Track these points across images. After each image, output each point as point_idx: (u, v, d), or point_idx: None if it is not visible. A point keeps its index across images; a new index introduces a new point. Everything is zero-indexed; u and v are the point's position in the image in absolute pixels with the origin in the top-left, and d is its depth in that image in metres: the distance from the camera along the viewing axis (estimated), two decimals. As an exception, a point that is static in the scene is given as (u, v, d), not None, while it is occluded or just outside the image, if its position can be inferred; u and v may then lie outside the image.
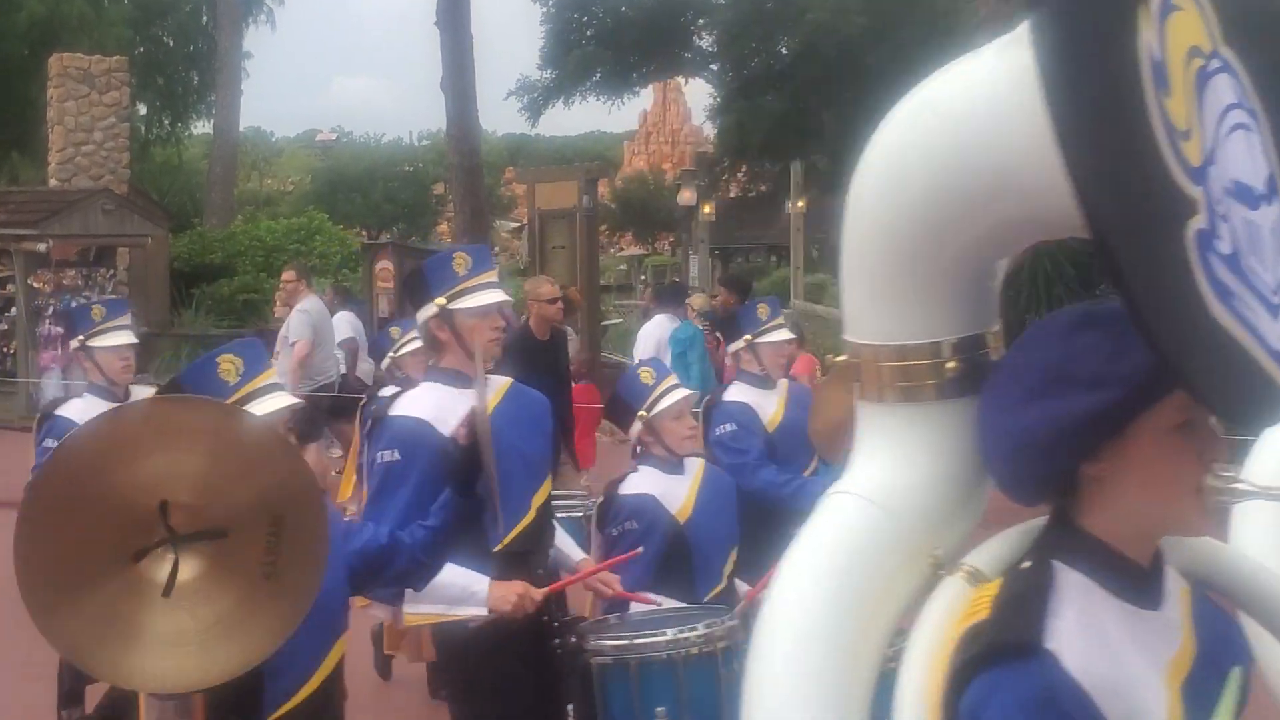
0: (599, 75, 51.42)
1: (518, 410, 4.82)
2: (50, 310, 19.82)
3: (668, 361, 11.43)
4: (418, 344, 7.19)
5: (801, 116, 48.21)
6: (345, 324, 15.32)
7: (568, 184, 20.47)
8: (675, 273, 37.64)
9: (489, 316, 4.68)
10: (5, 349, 20.83)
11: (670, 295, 14.31)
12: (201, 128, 39.62)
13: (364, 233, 48.95)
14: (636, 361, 13.06)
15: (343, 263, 26.23)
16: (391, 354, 7.95)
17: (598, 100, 52.61)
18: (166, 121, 38.44)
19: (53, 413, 6.50)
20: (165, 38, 37.01)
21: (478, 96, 22.51)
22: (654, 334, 13.13)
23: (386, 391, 7.33)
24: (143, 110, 34.25)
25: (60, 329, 19.58)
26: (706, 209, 30.98)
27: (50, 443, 6.04)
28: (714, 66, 52.16)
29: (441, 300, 4.56)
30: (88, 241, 21.65)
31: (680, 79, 61.58)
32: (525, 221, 24.94)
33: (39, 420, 6.69)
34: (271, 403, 3.67)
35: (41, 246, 20.22)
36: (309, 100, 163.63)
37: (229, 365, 3.78)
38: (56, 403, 6.90)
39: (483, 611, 4.36)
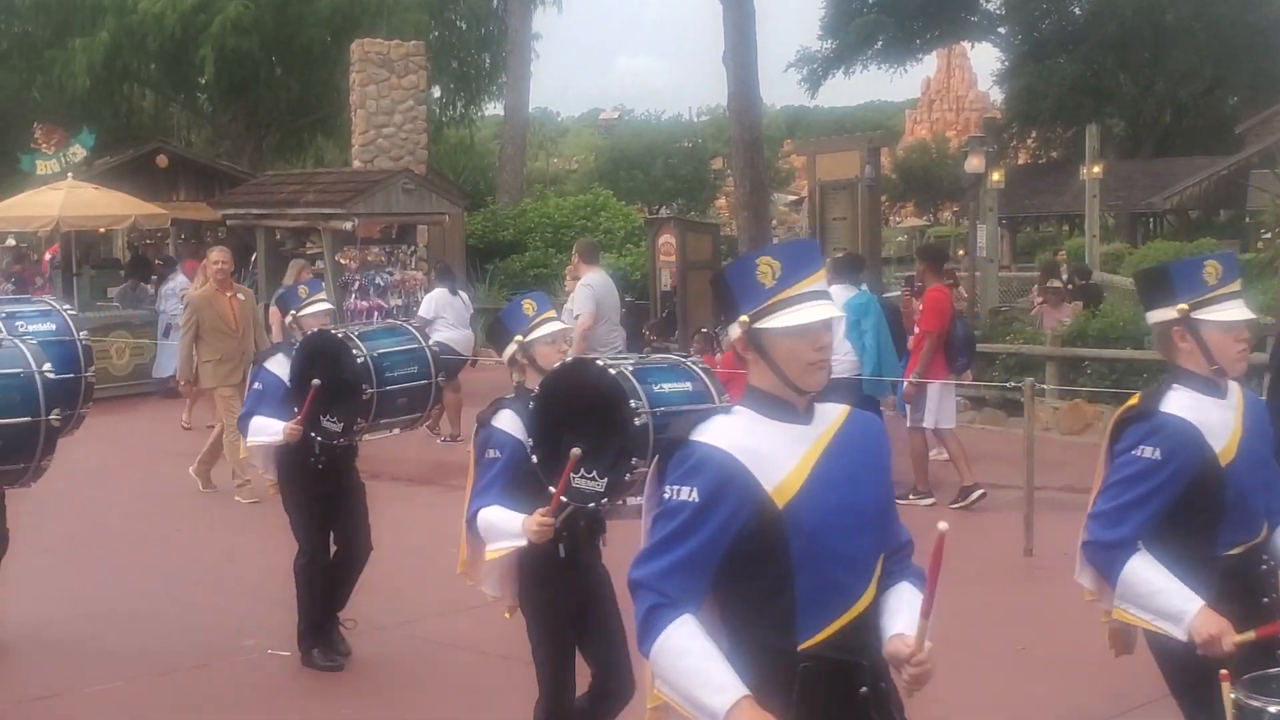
0: (880, 43, 50.99)
1: None
2: (356, 285, 20.81)
3: (843, 328, 11.23)
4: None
5: (1096, 78, 46.88)
6: (431, 302, 15.78)
7: (848, 154, 20.42)
8: (961, 243, 37.04)
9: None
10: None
11: (846, 266, 14.05)
12: (492, 109, 40.53)
13: (645, 208, 49.61)
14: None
15: (626, 238, 26.58)
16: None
17: (879, 69, 52.22)
18: (460, 104, 39.27)
19: None
20: (459, 22, 37.84)
21: (759, 68, 22.65)
22: (837, 296, 12.90)
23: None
24: (437, 93, 35.09)
25: (365, 303, 20.77)
26: (995, 176, 30.30)
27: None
28: (1002, 30, 51.18)
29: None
30: (390, 220, 22.38)
31: (966, 44, 60.54)
32: (804, 194, 25.04)
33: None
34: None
35: (348, 225, 20.88)
36: (593, 80, 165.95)
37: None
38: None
39: (1182, 636, 4.10)
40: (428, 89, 27.74)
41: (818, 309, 3.36)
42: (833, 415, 3.46)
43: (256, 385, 7.58)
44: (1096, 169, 35.72)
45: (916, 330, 12.75)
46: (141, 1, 31.43)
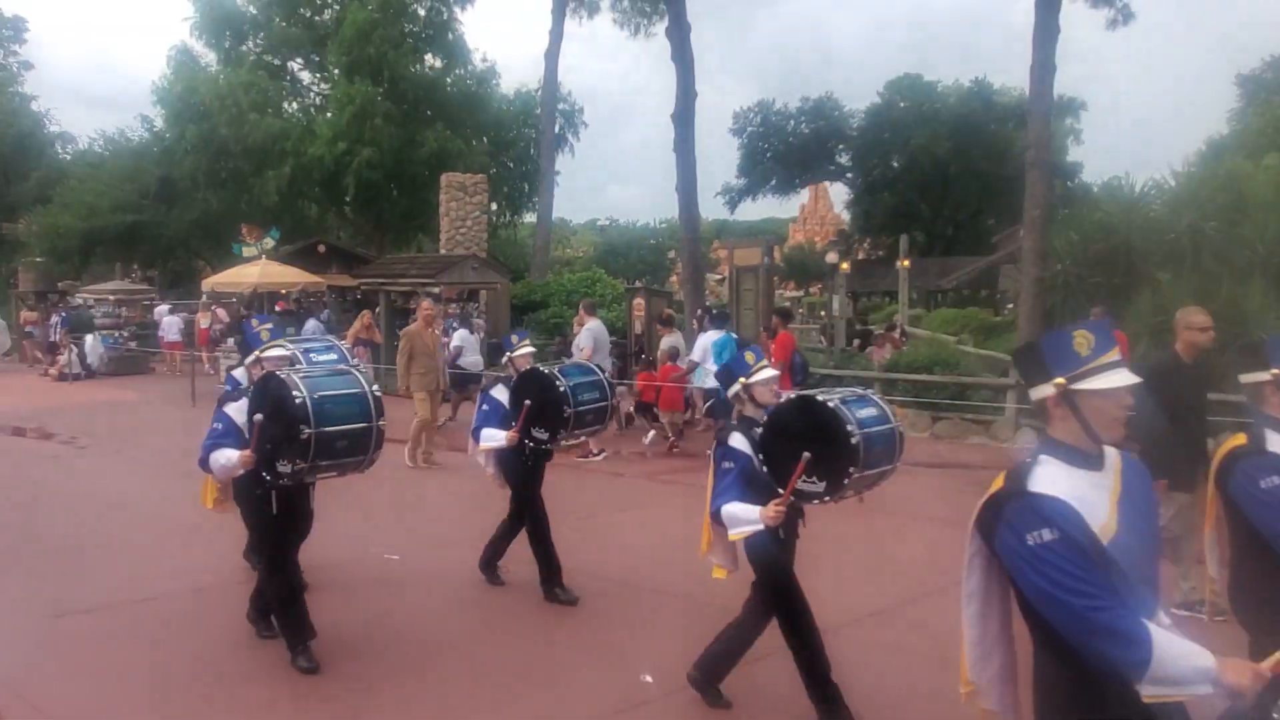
0: (774, 181, 51.42)
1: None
2: (441, 328, 20.67)
3: (711, 359, 12.22)
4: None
5: (907, 206, 47.40)
6: (458, 338, 15.64)
7: (753, 249, 20.49)
8: (824, 308, 37.15)
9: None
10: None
11: (718, 316, 14.16)
12: (529, 218, 40.65)
13: (625, 281, 49.67)
14: (690, 360, 13.28)
15: (614, 300, 26.56)
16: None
17: (774, 196, 52.73)
18: (509, 214, 39.60)
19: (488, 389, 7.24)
20: (509, 163, 37.95)
21: (698, 195, 22.72)
22: (703, 342, 13.01)
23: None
24: (494, 207, 35.18)
25: (445, 338, 20.59)
26: (844, 265, 30.52)
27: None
28: (849, 175, 51.61)
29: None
30: (462, 286, 22.59)
31: (827, 183, 61.07)
32: (726, 275, 25.11)
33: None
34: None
35: (437, 290, 20.94)
36: (594, 199, 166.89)
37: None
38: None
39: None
40: (488, 205, 27.70)
41: (1126, 376, 2.72)
42: (1114, 459, 2.77)
43: (485, 407, 6.88)
44: (906, 262, 35.96)
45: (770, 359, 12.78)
46: (310, 148, 31.45)
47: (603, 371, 7.20)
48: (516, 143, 38.04)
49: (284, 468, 5.14)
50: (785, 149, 50.07)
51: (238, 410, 5.53)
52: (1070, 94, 47.77)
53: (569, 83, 76.35)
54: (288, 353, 5.93)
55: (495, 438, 6.66)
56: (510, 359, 7.10)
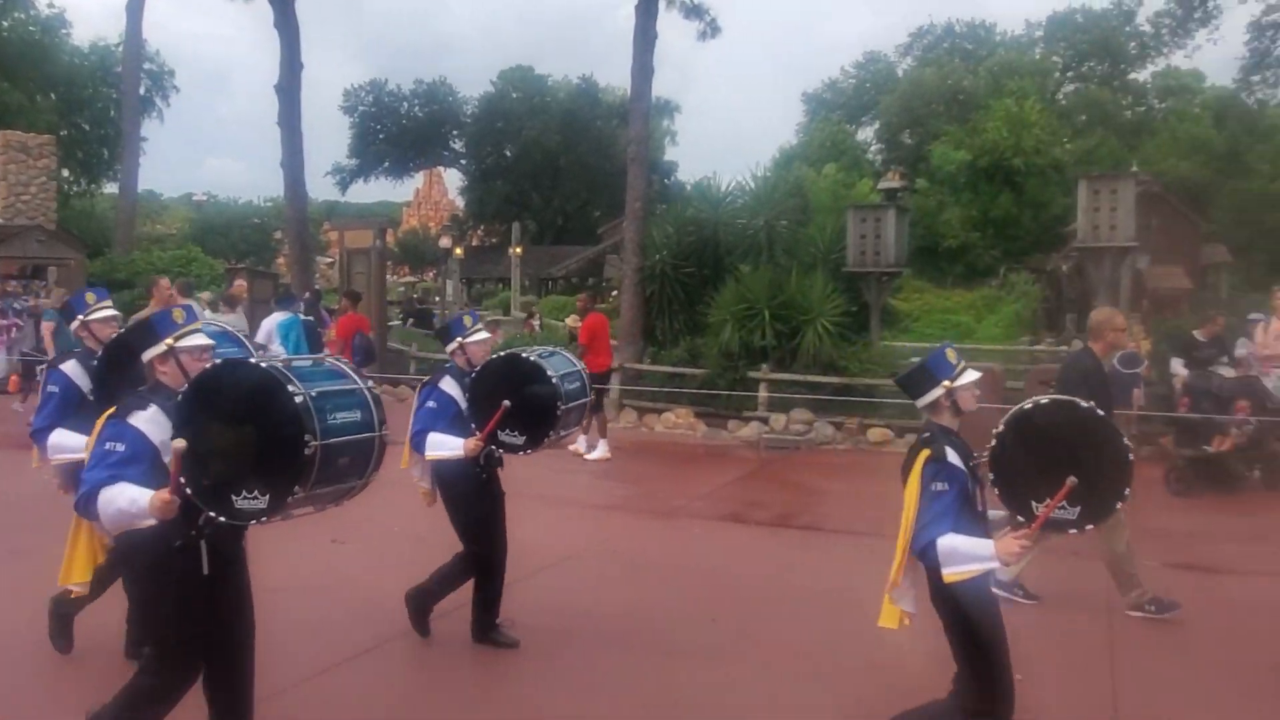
0: (387, 164, 50.32)
1: None
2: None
3: (278, 342, 11.89)
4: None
5: (520, 195, 48.46)
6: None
7: (366, 232, 20.08)
8: (438, 293, 36.97)
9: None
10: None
11: (285, 297, 14.21)
12: (110, 188, 36.61)
13: (226, 260, 46.23)
14: (255, 343, 13.03)
15: (213, 280, 24.74)
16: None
17: (387, 179, 51.73)
18: (84, 182, 35.73)
19: (57, 365, 5.21)
20: (84, 124, 34.21)
21: (305, 173, 21.69)
22: (268, 325, 12.59)
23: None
24: (66, 173, 31.61)
25: (4, 321, 17.96)
26: (458, 251, 30.64)
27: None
28: (463, 161, 51.76)
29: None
30: (25, 261, 20.00)
31: (441, 168, 60.83)
32: (337, 257, 24.18)
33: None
34: None
35: None
36: (190, 172, 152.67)
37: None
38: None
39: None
40: (58, 170, 24.53)
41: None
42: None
43: (430, 404, 5.41)
44: (519, 250, 36.73)
45: (333, 338, 13.56)
46: None
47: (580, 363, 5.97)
48: (93, 103, 34.17)
49: (249, 502, 3.30)
50: (399, 131, 49.18)
51: (150, 422, 3.52)
52: (668, 96, 51.53)
53: (158, 40, 69.00)
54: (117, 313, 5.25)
55: (448, 445, 5.25)
56: (463, 345, 5.58)
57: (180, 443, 3.26)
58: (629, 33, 16.88)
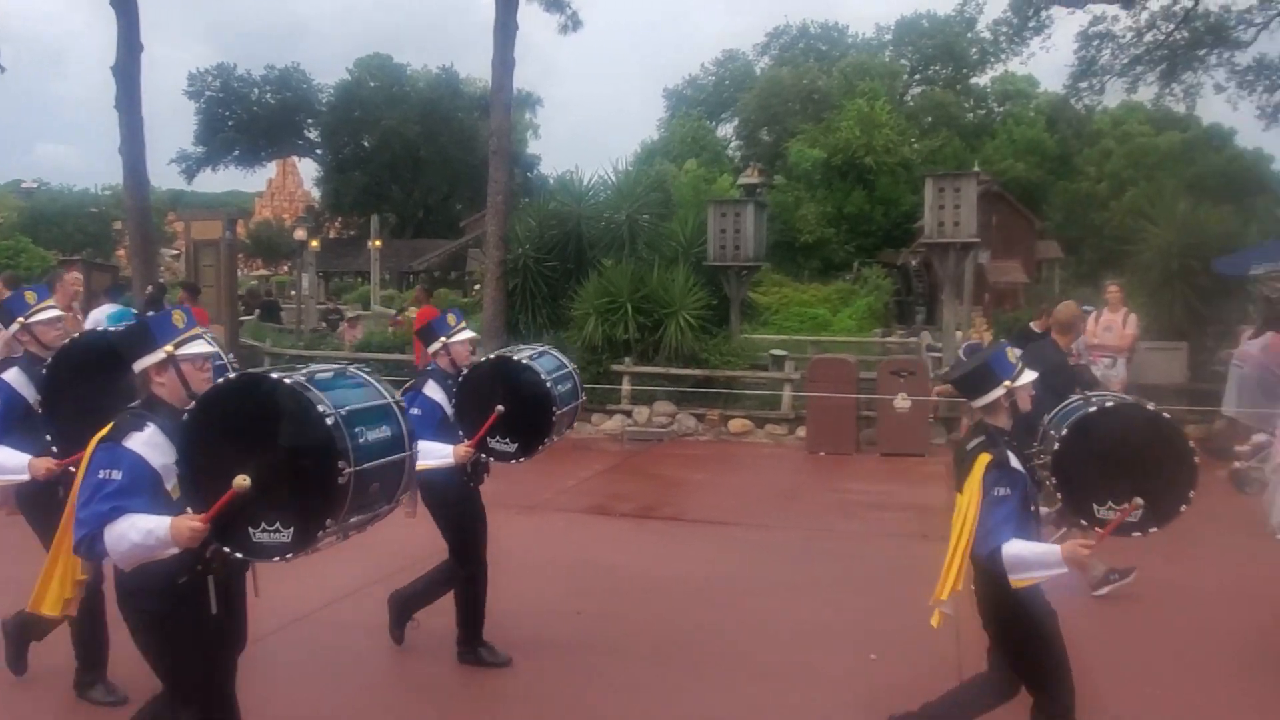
0: (237, 152, 48.32)
1: None
2: None
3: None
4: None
5: (378, 186, 47.29)
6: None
7: (214, 223, 19.26)
8: (293, 287, 35.73)
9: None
10: None
11: (114, 288, 13.66)
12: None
13: (59, 252, 43.50)
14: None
15: (43, 274, 23.25)
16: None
17: (237, 169, 49.71)
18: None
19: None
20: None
21: (147, 160, 20.55)
22: (97, 315, 11.76)
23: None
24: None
25: None
26: (314, 243, 29.67)
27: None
28: (319, 151, 50.12)
29: None
30: None
31: (295, 158, 58.81)
32: (183, 250, 23.06)
33: None
34: None
35: None
36: (15, 158, 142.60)
37: None
38: None
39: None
40: None
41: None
42: None
43: (415, 410, 4.87)
44: (378, 243, 35.83)
45: None
46: None
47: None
48: (-96, 81, 31.38)
49: (270, 536, 2.89)
50: (249, 118, 47.26)
51: (148, 445, 3.06)
52: (530, 89, 51.12)
53: (-22, 17, 64.41)
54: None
55: (437, 454, 4.86)
56: (446, 346, 5.24)
57: (244, 480, 2.81)
58: (490, 23, 16.66)
